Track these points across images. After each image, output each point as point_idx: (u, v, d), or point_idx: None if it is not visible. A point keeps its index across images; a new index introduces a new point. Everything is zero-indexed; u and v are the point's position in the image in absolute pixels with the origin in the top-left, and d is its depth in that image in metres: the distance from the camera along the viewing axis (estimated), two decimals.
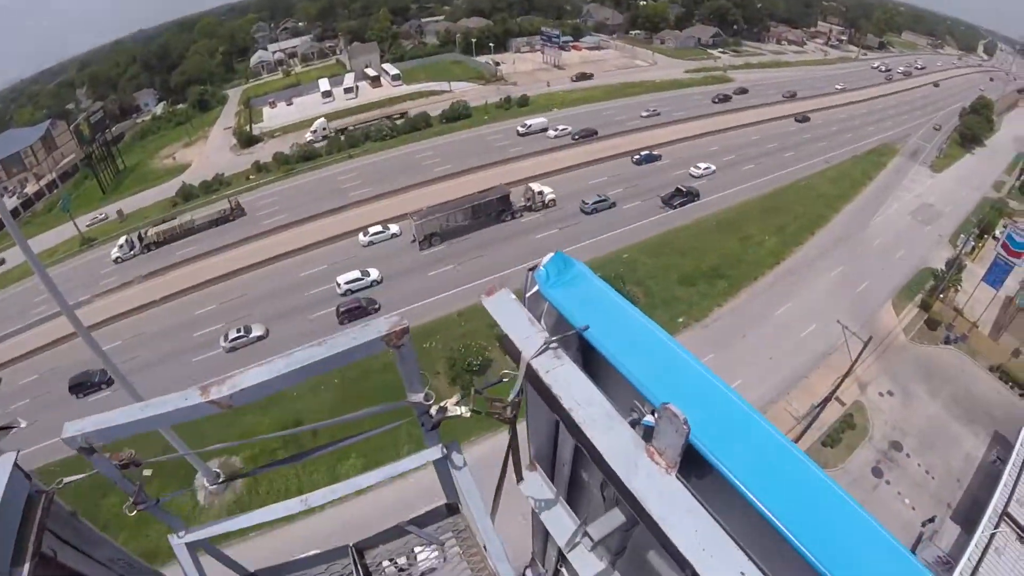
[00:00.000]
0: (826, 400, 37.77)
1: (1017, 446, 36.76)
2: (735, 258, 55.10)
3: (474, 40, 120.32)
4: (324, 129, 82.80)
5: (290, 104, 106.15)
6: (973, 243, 64.50)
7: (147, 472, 3.03)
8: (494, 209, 56.96)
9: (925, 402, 44.72)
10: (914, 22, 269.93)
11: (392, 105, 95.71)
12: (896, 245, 61.71)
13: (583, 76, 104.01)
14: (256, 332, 44.29)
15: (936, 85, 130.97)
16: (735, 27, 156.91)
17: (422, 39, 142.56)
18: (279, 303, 48.61)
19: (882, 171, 78.40)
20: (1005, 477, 34.64)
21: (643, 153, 72.11)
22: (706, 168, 69.70)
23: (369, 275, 49.04)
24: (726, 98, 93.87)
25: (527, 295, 2.71)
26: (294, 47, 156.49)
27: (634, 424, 2.20)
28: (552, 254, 2.76)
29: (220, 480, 3.80)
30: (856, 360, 36.95)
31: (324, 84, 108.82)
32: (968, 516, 35.59)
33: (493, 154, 73.52)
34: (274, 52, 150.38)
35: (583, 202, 60.14)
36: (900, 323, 52.52)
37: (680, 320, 46.68)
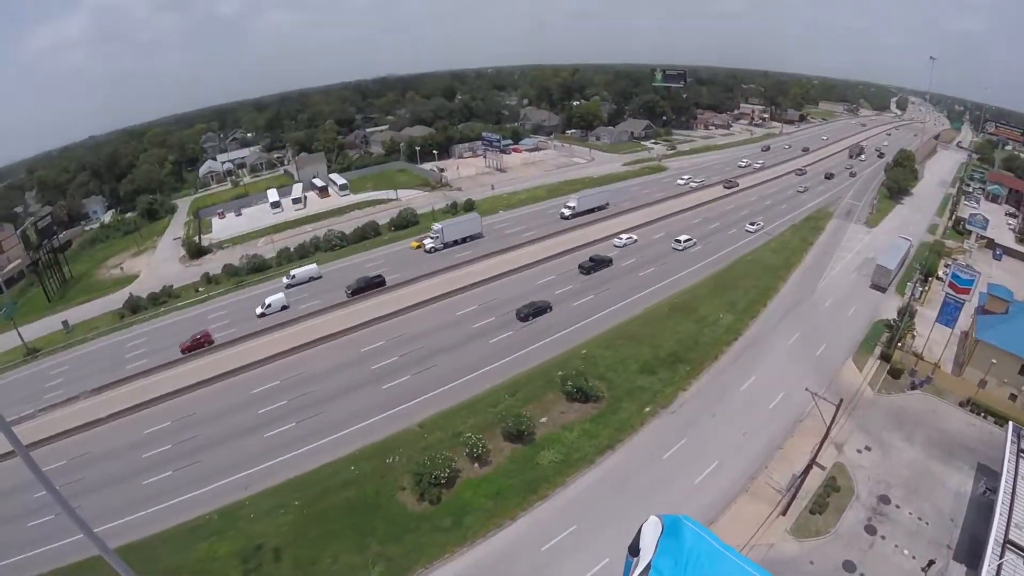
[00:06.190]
0: (807, 468, 36.68)
1: (1004, 473, 36.46)
2: (692, 340, 54.88)
3: (418, 148, 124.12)
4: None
5: (239, 215, 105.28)
6: (920, 288, 66.14)
7: None
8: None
9: (903, 450, 44.38)
10: (828, 91, 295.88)
11: (342, 215, 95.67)
12: (846, 303, 63.12)
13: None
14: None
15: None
16: (664, 118, 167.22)
17: (368, 149, 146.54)
18: (234, 419, 46.13)
19: (821, 235, 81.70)
20: (999, 506, 34.00)
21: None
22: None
23: None
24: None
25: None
26: (242, 157, 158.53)
27: None
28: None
29: None
30: (831, 423, 35.51)
31: (273, 195, 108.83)
32: (970, 552, 34.67)
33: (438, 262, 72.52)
34: (223, 162, 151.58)
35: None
36: (865, 378, 52.73)
37: (647, 409, 45.39)
